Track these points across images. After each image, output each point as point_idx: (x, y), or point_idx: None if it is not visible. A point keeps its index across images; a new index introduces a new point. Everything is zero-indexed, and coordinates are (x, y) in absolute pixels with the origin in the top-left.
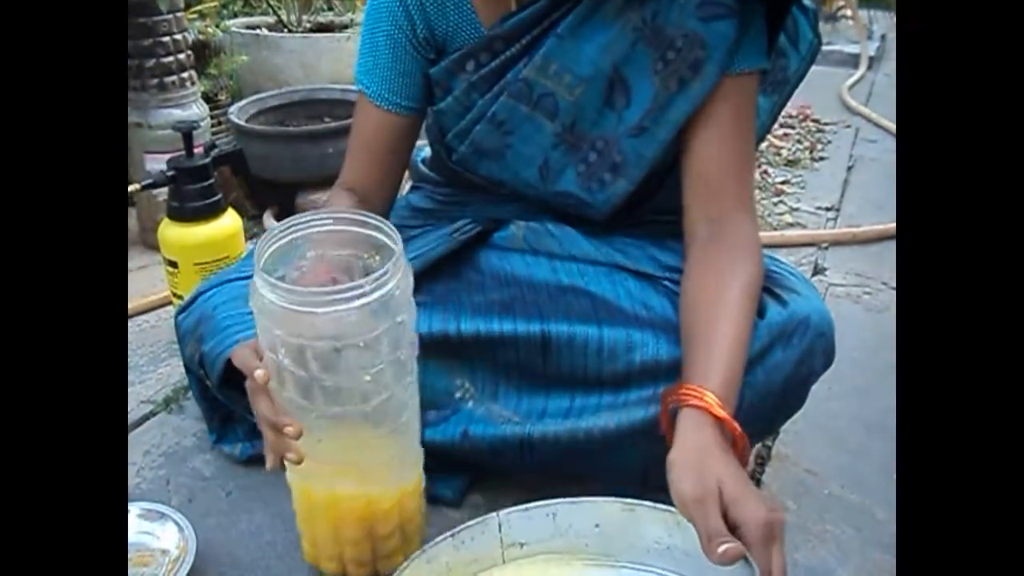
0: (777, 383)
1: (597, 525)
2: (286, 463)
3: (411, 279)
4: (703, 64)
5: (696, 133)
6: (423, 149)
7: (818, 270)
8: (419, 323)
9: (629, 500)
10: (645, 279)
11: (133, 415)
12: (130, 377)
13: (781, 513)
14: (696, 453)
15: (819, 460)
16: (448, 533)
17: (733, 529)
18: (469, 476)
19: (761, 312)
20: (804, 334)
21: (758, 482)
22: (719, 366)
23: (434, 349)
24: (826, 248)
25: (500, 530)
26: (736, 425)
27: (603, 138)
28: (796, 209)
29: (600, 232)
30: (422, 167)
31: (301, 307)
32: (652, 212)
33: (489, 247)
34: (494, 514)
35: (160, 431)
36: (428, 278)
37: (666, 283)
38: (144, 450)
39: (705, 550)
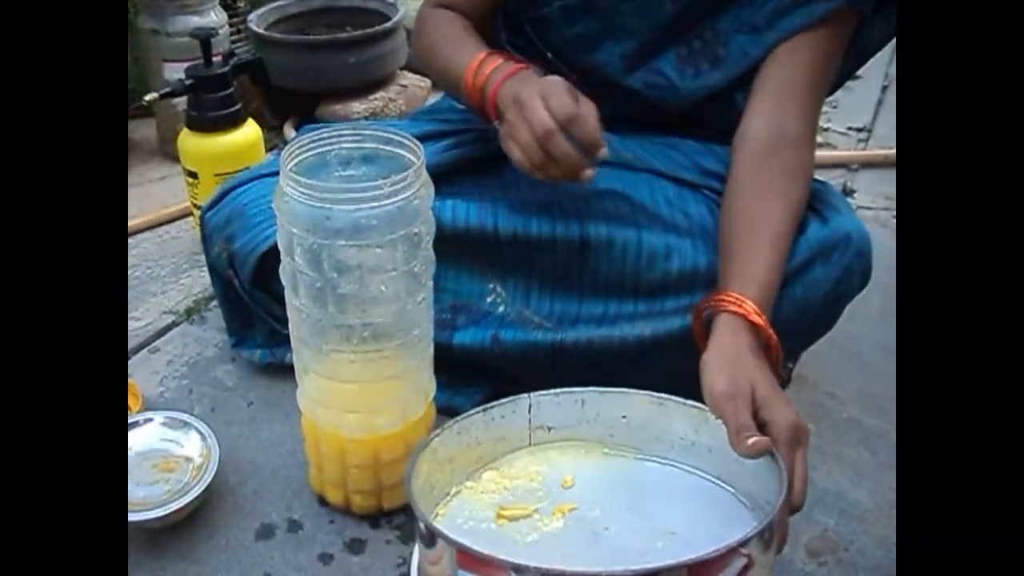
0: (815, 299)
1: (624, 416)
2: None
3: (432, 192)
4: None
5: (792, 43)
6: None
7: (847, 192)
8: (455, 215)
9: (659, 394)
10: (685, 186)
11: (155, 326)
12: (152, 288)
13: (805, 422)
14: (731, 355)
15: (839, 383)
16: (479, 408)
17: (761, 428)
18: (488, 390)
19: (802, 227)
20: (844, 252)
21: None
22: (758, 278)
23: (468, 246)
24: (856, 170)
25: (530, 411)
26: (772, 333)
27: (714, 28)
28: (826, 129)
29: (642, 135)
30: None
31: (319, 204)
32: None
33: None
34: (526, 395)
35: (182, 341)
36: (459, 170)
37: (706, 192)
38: (167, 360)
39: (733, 442)
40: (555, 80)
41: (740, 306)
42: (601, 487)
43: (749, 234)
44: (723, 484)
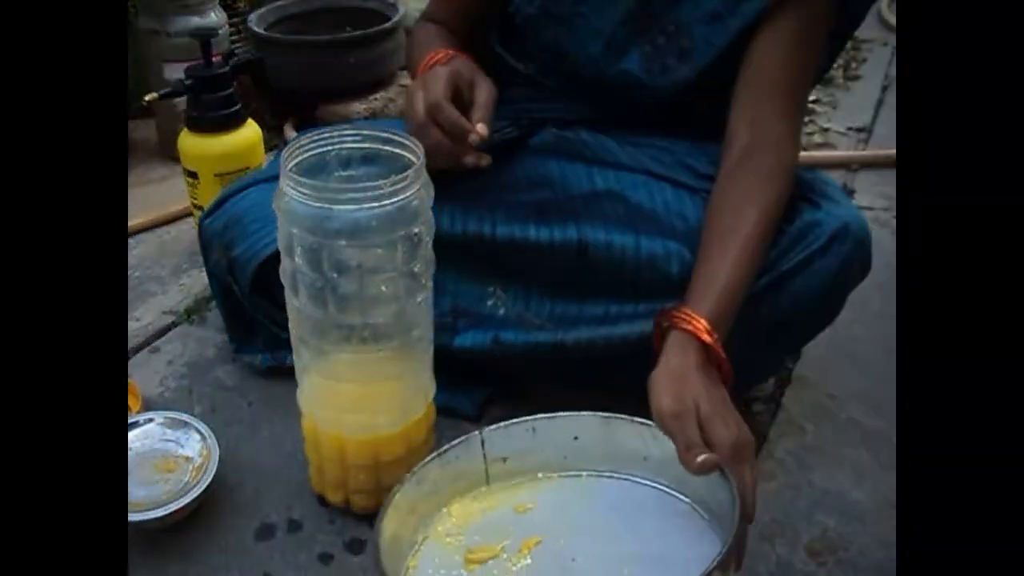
0: (815, 290)
1: (576, 437)
2: (296, 369)
3: (432, 193)
4: None
5: (762, 35)
6: None
7: (847, 192)
8: (453, 222)
9: (606, 413)
10: (683, 188)
11: (155, 326)
12: (152, 288)
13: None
14: (678, 373)
15: (840, 384)
16: (435, 453)
17: (707, 445)
18: (489, 390)
19: (796, 218)
20: (843, 242)
21: (778, 404)
22: (717, 293)
23: (467, 251)
24: (856, 170)
25: (483, 447)
26: (721, 352)
27: (675, 22)
28: (826, 129)
29: (637, 136)
30: None
31: (319, 204)
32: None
33: (523, 148)
34: (476, 432)
35: (182, 342)
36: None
37: (704, 194)
38: (167, 360)
39: (683, 460)
40: (440, 69)
41: (691, 324)
42: (561, 511)
43: (716, 246)
44: (677, 494)
